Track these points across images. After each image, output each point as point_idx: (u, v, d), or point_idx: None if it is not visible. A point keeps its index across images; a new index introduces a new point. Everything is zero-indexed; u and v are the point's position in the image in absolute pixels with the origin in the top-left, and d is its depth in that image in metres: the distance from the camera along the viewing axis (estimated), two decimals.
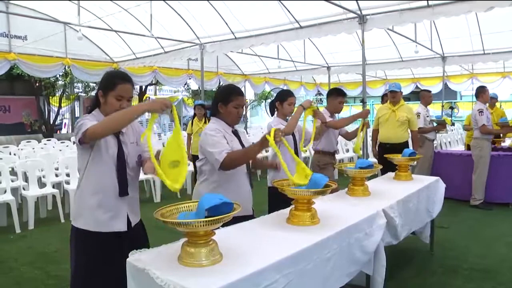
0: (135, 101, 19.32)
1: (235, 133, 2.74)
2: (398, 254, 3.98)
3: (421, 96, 6.66)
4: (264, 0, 7.42)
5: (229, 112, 2.65)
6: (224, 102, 2.65)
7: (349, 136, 4.72)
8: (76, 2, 7.36)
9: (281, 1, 7.30)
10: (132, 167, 2.33)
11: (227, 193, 2.31)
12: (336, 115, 4.77)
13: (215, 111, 2.71)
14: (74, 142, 9.76)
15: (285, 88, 15.10)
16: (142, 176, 5.77)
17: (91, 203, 2.22)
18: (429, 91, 6.78)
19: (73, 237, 2.29)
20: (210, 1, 7.98)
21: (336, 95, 4.51)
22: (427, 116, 6.43)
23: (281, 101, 3.76)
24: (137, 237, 2.38)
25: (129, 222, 2.32)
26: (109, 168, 2.23)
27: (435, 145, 6.75)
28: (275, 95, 4.03)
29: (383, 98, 7.65)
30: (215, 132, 2.55)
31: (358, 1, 6.49)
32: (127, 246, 2.19)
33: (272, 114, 3.91)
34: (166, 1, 8.26)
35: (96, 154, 2.21)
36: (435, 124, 6.63)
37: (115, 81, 2.23)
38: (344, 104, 4.84)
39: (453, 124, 11.33)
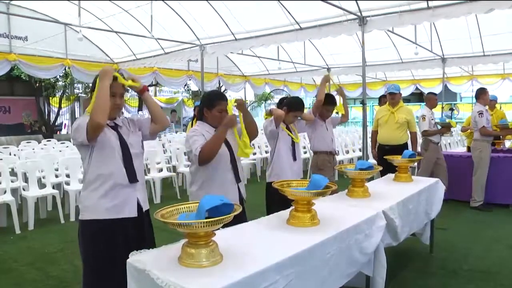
0: (135, 103, 19.35)
1: None
2: (398, 255, 3.98)
3: (426, 99, 6.60)
4: (264, 0, 7.41)
5: (214, 116, 2.81)
6: (208, 106, 2.82)
7: (342, 119, 4.87)
8: (76, 3, 7.37)
9: (281, 0, 7.30)
10: (136, 154, 2.43)
11: (212, 189, 2.63)
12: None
13: (201, 115, 2.88)
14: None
15: (285, 89, 15.13)
16: None
17: (99, 193, 2.30)
18: (435, 94, 6.72)
19: (81, 232, 2.35)
20: (209, 0, 7.99)
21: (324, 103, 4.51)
22: (432, 119, 6.37)
23: (288, 109, 3.81)
24: (147, 223, 2.49)
25: (140, 208, 2.41)
26: (114, 159, 2.33)
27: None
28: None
29: (380, 100, 7.65)
30: (193, 133, 2.74)
31: (358, 3, 6.50)
32: (138, 231, 2.39)
33: None
34: (166, 1, 8.26)
35: (98, 148, 2.30)
36: (439, 127, 6.57)
37: None
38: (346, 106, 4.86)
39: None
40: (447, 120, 6.87)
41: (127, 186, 2.34)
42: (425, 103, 6.61)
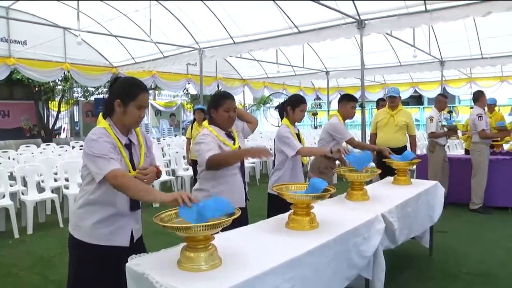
0: None
1: (229, 135, 2.87)
2: (397, 258, 3.97)
3: (437, 100, 6.53)
4: (262, 0, 7.41)
5: (220, 116, 2.78)
6: (214, 107, 2.79)
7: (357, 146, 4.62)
8: (75, 6, 7.38)
9: (277, 1, 7.31)
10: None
11: (222, 187, 2.71)
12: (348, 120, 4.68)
13: (209, 118, 2.87)
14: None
15: (284, 92, 15.14)
16: None
17: (96, 217, 2.13)
18: (446, 96, 6.70)
19: (71, 245, 2.24)
20: (207, 1, 8.00)
21: (347, 100, 4.41)
22: (440, 121, 6.35)
23: (293, 106, 3.69)
24: (140, 251, 2.25)
25: (132, 237, 2.24)
26: None
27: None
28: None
29: (378, 103, 7.65)
30: (205, 136, 2.72)
31: (357, 6, 6.52)
32: (125, 261, 2.06)
33: (282, 117, 3.81)
34: (164, 1, 8.26)
35: None
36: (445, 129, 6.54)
37: (137, 90, 2.13)
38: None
39: None
40: (454, 123, 6.83)
41: (126, 214, 2.18)
42: (434, 105, 6.57)
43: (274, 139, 3.74)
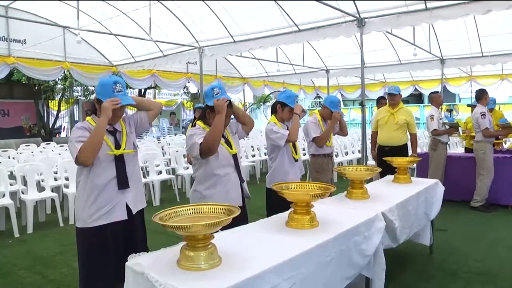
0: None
1: (223, 137, 2.87)
2: (398, 257, 3.97)
3: (431, 98, 6.57)
4: (262, 0, 7.39)
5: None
6: (211, 107, 2.79)
7: (341, 133, 4.78)
8: (75, 5, 7.36)
9: (278, 0, 7.29)
10: (129, 157, 2.50)
11: (216, 189, 2.74)
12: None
13: (204, 117, 2.89)
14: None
15: None
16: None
17: (89, 203, 2.37)
18: (437, 92, 6.72)
19: (76, 237, 2.45)
20: (207, 1, 7.98)
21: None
22: (440, 119, 6.35)
23: (282, 105, 3.72)
24: (136, 226, 2.53)
25: (129, 210, 2.45)
26: (108, 168, 2.39)
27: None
28: (273, 98, 4.03)
29: (378, 101, 7.65)
30: (194, 131, 2.79)
31: (356, 4, 6.51)
32: (128, 233, 2.45)
33: (272, 113, 3.87)
34: (164, 1, 8.24)
35: (95, 162, 2.36)
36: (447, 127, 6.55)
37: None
38: (343, 107, 4.85)
39: None
40: (455, 120, 6.85)
41: (117, 192, 2.41)
42: (431, 103, 6.60)
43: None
